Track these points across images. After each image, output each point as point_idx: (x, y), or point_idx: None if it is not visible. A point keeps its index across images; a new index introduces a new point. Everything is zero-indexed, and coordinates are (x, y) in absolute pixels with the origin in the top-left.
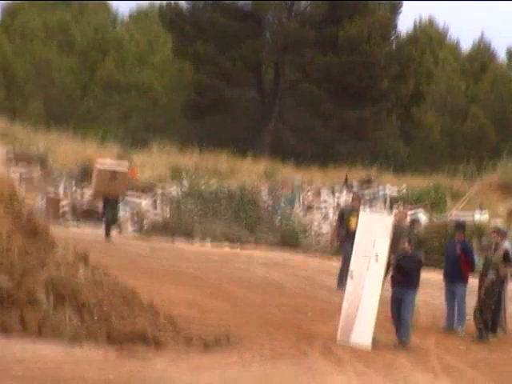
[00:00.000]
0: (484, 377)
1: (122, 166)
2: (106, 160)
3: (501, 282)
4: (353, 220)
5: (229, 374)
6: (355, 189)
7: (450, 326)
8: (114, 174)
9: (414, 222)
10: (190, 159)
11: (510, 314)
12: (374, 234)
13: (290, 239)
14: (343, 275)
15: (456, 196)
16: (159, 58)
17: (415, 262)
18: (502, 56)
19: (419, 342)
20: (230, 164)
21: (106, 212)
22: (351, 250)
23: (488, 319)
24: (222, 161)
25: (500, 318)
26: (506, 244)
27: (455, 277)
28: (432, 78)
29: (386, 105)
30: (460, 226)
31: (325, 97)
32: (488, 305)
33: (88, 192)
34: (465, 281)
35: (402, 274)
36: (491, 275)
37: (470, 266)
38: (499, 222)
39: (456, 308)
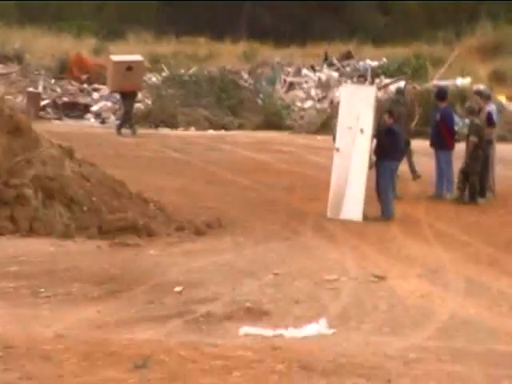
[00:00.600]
0: (474, 239)
1: (137, 57)
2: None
3: (486, 144)
4: None
5: (223, 257)
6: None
7: (439, 192)
8: (130, 66)
9: (399, 92)
10: (167, 46)
11: (498, 175)
12: (358, 106)
13: (274, 118)
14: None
15: (437, 63)
16: None
17: (385, 132)
18: None
19: (410, 211)
20: (209, 48)
21: (124, 106)
22: None
23: (475, 182)
24: (200, 46)
25: (488, 181)
26: (491, 106)
27: (437, 144)
28: None
29: None
30: (440, 92)
31: None
32: (473, 168)
33: (103, 87)
34: (447, 147)
35: (379, 146)
36: (473, 138)
37: (450, 132)
38: (481, 86)
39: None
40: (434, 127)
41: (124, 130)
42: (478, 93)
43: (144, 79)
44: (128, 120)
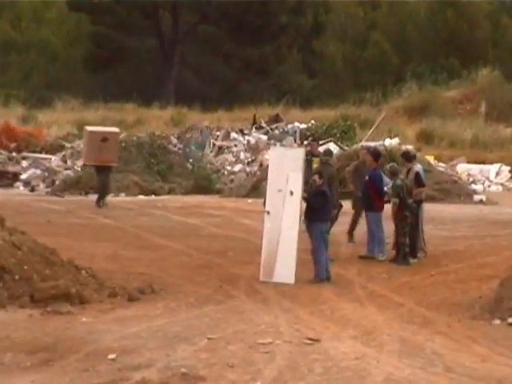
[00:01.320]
0: (407, 300)
1: (112, 129)
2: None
3: (416, 204)
4: (315, 165)
5: (156, 323)
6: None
7: (371, 253)
8: (105, 137)
9: (327, 153)
10: (95, 113)
11: (428, 235)
12: (287, 168)
13: (204, 182)
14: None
15: (364, 124)
16: (54, 12)
17: (315, 194)
18: None
19: (342, 273)
20: (137, 114)
21: (100, 179)
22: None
23: (404, 243)
24: (128, 112)
25: (419, 241)
26: (417, 166)
27: (366, 204)
28: (330, 7)
29: (286, 39)
30: (374, 153)
31: (224, 37)
32: (400, 229)
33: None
34: (375, 208)
35: (308, 207)
36: (394, 199)
37: (378, 194)
38: (408, 147)
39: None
40: (363, 187)
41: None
42: (404, 154)
43: (73, 146)
44: (104, 193)
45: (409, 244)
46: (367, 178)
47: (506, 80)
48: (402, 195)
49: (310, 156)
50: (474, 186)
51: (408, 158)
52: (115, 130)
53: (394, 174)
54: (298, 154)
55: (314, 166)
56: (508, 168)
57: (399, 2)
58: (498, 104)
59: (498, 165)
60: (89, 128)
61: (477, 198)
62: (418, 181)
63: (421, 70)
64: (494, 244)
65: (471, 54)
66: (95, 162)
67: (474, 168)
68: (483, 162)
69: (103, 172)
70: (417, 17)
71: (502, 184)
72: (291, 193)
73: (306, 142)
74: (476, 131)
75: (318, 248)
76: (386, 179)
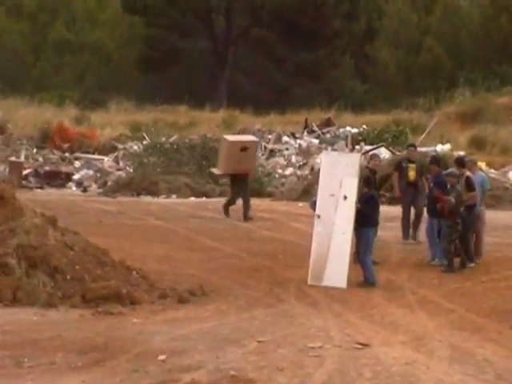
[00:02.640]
0: (458, 306)
1: (251, 137)
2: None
3: (468, 210)
4: (411, 172)
5: (206, 325)
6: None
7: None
8: (245, 146)
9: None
10: (148, 115)
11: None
12: (341, 173)
13: (255, 185)
14: (405, 227)
15: (416, 129)
16: (109, 14)
17: (366, 200)
18: None
19: (392, 278)
20: (189, 116)
21: (232, 189)
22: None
23: (449, 250)
24: (181, 113)
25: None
26: (479, 173)
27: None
28: (383, 12)
29: (339, 44)
30: (433, 160)
31: (277, 40)
32: (448, 236)
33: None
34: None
35: (358, 213)
36: (451, 199)
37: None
38: (461, 153)
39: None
40: (428, 194)
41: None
42: (457, 160)
43: (126, 147)
44: (246, 205)
45: (463, 249)
46: (432, 183)
47: None
48: (459, 202)
49: (406, 163)
50: None
51: (461, 163)
52: (254, 138)
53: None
54: (353, 160)
55: (411, 173)
56: None
57: (453, 8)
58: None
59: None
60: (228, 138)
61: None
62: (469, 186)
63: (474, 76)
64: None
65: None
66: (234, 170)
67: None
68: None
69: (239, 181)
70: (470, 22)
71: None
72: (345, 197)
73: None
74: None
75: (366, 253)
76: None
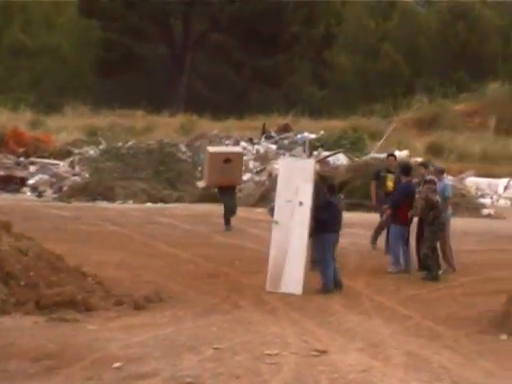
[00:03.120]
0: (415, 313)
1: (235, 149)
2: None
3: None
4: (389, 182)
5: (163, 332)
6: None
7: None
8: (228, 158)
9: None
10: (104, 119)
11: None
12: (297, 179)
13: (212, 191)
14: (377, 233)
15: (374, 135)
16: (65, 18)
17: (325, 206)
18: None
19: (350, 285)
20: (146, 121)
21: (223, 202)
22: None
23: (428, 256)
24: (138, 118)
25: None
26: (445, 181)
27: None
28: (341, 18)
29: (297, 50)
30: (403, 169)
31: (236, 45)
32: (429, 242)
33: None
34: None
35: (317, 219)
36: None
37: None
38: (419, 159)
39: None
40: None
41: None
42: (403, 168)
43: (81, 152)
44: (227, 216)
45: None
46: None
47: None
48: (439, 210)
49: (384, 172)
50: (482, 200)
51: (406, 172)
52: (238, 150)
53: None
54: (308, 165)
55: (389, 183)
56: None
57: (411, 14)
58: (507, 118)
59: (507, 179)
60: (210, 149)
61: (485, 211)
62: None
63: (431, 82)
64: (501, 258)
65: (481, 67)
66: (218, 183)
67: (483, 182)
68: (492, 176)
69: (227, 193)
70: (428, 29)
71: (510, 198)
72: (300, 203)
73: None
74: (485, 145)
75: (324, 259)
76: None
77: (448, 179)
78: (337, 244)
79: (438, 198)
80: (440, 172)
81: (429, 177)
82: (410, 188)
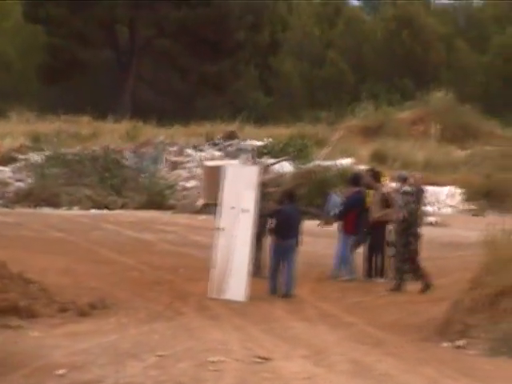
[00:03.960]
0: (359, 320)
1: (233, 162)
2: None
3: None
4: (368, 198)
5: (106, 339)
6: (222, 144)
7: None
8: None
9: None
10: (50, 125)
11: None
12: (241, 186)
13: (157, 198)
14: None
15: (320, 143)
16: (10, 22)
17: (273, 213)
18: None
19: (295, 292)
20: (92, 127)
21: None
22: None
23: (401, 269)
24: (83, 124)
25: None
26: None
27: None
28: (287, 25)
29: (243, 56)
30: (353, 178)
31: (181, 51)
32: (401, 254)
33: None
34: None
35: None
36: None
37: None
38: (363, 167)
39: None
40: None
41: None
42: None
43: (26, 158)
44: None
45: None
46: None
47: (458, 103)
48: (411, 220)
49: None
50: (425, 208)
51: (355, 182)
52: (218, 163)
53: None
54: (252, 172)
55: (368, 199)
56: (460, 190)
57: (356, 22)
58: (451, 126)
59: (451, 187)
60: (207, 163)
61: (429, 219)
62: (387, 202)
63: (376, 90)
64: (444, 266)
65: (425, 75)
66: (217, 199)
67: (427, 190)
68: (435, 184)
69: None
70: (373, 37)
71: (453, 206)
72: (244, 210)
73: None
74: (429, 153)
75: (272, 266)
76: (339, 201)
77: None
78: (292, 251)
79: (409, 209)
80: (403, 180)
81: (405, 188)
82: (358, 198)
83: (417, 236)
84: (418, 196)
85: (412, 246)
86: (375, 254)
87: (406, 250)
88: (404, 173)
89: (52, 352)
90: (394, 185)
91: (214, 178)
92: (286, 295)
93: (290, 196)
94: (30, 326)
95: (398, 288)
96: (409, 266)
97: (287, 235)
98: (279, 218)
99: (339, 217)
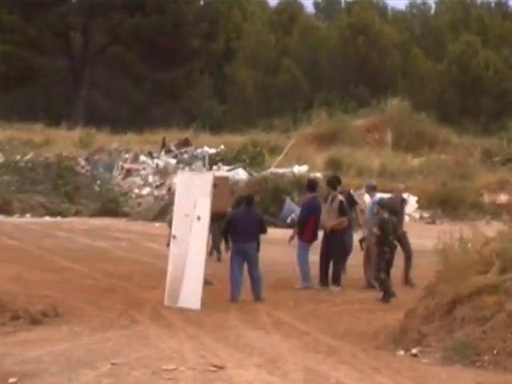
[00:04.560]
0: (313, 328)
1: (222, 173)
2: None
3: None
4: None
5: (59, 347)
6: (176, 151)
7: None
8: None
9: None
10: (2, 132)
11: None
12: (195, 193)
13: (111, 205)
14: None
15: (274, 150)
16: None
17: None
18: (309, 7)
19: (248, 300)
20: (45, 134)
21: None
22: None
23: (380, 279)
24: (36, 132)
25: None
26: (376, 197)
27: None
28: (242, 33)
29: (197, 64)
30: (309, 184)
31: (135, 59)
32: (376, 264)
33: None
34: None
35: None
36: (375, 230)
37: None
38: (318, 174)
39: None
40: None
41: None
42: (330, 181)
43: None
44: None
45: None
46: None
47: (414, 110)
48: (386, 230)
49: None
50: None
51: (310, 187)
52: (225, 174)
53: (381, 207)
54: (206, 180)
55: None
56: (415, 198)
57: (311, 29)
58: (406, 134)
59: (405, 195)
60: (216, 173)
61: None
62: (341, 210)
63: (331, 97)
64: (399, 274)
65: (381, 83)
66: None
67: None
68: (391, 192)
69: (214, 221)
70: (328, 44)
71: (408, 214)
72: (198, 218)
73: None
74: (384, 160)
75: (230, 270)
76: (294, 207)
77: (378, 195)
78: (250, 254)
79: (382, 219)
80: (372, 188)
81: (380, 197)
82: (314, 204)
83: (392, 246)
84: (400, 206)
85: (387, 255)
86: (331, 262)
87: (380, 260)
88: (373, 181)
89: (3, 360)
90: (365, 195)
91: (223, 188)
92: (256, 299)
93: (247, 200)
94: None
95: (386, 298)
96: (377, 275)
97: (241, 239)
98: (229, 223)
99: (300, 224)
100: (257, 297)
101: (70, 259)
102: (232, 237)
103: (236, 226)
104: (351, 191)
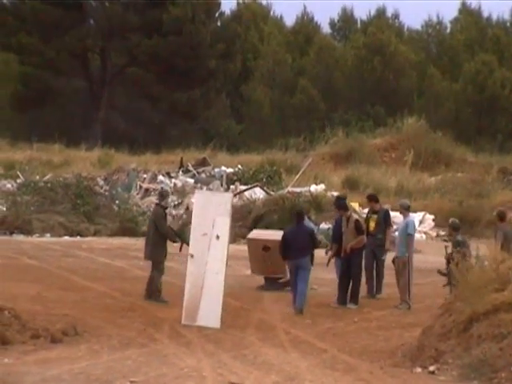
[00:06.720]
0: (330, 346)
1: (275, 236)
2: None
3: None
4: (372, 223)
5: (78, 365)
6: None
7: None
8: (266, 246)
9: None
10: (22, 153)
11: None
12: (213, 212)
13: (130, 225)
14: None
15: (290, 169)
16: None
17: None
18: (325, 27)
19: (266, 318)
20: (64, 155)
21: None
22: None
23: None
24: (55, 152)
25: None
26: (410, 219)
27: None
28: (258, 53)
29: (214, 84)
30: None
31: (153, 80)
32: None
33: None
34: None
35: None
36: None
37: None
38: (336, 193)
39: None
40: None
41: None
42: (336, 202)
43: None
44: None
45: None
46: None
47: (430, 129)
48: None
49: (370, 213)
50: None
51: (339, 205)
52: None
53: (455, 230)
54: (224, 199)
55: (371, 223)
56: (432, 217)
57: (327, 49)
58: (422, 153)
59: (422, 213)
60: (250, 235)
61: None
62: (358, 229)
63: (347, 117)
64: (416, 292)
65: (397, 102)
66: (262, 273)
67: (398, 216)
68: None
69: (271, 284)
70: (344, 64)
71: (425, 232)
72: (217, 237)
73: (232, 187)
74: (400, 179)
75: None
76: (309, 225)
77: (411, 216)
78: (303, 266)
79: None
80: (405, 208)
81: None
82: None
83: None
84: None
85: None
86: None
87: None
88: (407, 201)
89: (23, 379)
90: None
91: (256, 251)
92: (297, 311)
93: (297, 216)
94: (1, 353)
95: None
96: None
97: (295, 256)
98: (284, 241)
99: (335, 240)
100: (297, 309)
101: (89, 278)
102: (286, 254)
103: (289, 243)
104: (389, 209)
